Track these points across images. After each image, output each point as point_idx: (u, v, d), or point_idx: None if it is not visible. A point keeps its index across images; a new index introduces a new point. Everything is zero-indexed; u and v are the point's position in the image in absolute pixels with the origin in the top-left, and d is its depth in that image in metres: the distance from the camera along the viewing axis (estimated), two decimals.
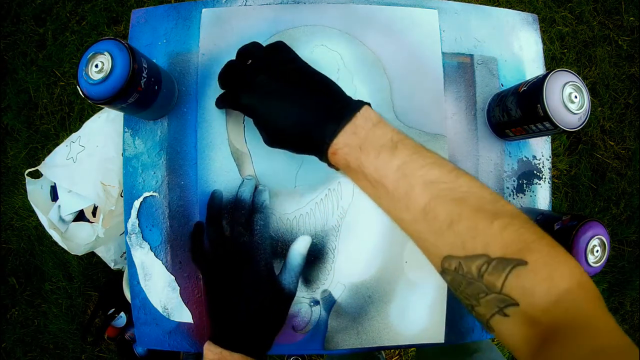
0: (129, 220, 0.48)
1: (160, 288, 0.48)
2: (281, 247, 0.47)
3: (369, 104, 0.35)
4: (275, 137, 0.37)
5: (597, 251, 0.41)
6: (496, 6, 1.12)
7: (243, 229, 0.42)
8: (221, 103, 0.45)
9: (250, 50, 0.41)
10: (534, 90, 0.42)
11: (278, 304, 0.41)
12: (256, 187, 0.46)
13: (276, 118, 0.35)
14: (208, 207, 0.46)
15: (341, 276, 0.48)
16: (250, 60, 0.40)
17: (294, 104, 0.35)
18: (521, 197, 0.52)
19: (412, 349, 1.16)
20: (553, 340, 0.26)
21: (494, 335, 0.30)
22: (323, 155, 0.35)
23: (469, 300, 0.29)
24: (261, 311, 0.40)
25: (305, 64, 0.39)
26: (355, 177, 0.34)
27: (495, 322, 0.28)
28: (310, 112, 0.34)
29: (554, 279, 0.27)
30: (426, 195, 0.30)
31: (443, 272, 0.31)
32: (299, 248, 0.43)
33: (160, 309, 0.48)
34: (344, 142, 0.33)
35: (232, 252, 0.41)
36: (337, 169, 0.36)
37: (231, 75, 0.41)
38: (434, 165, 0.31)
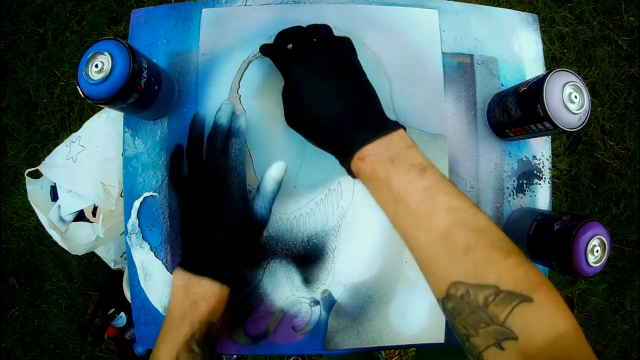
0: (129, 220, 0.48)
1: (160, 288, 0.48)
2: (281, 247, 0.47)
3: (404, 128, 0.36)
4: (302, 119, 0.37)
5: (597, 251, 0.41)
6: (496, 6, 1.11)
7: (219, 152, 0.42)
8: (266, 52, 0.44)
9: (319, 30, 0.41)
10: (534, 90, 0.42)
11: (249, 229, 0.41)
12: (233, 113, 0.45)
13: (318, 103, 0.36)
14: (189, 129, 0.45)
15: (341, 276, 0.48)
16: (314, 39, 0.40)
17: (341, 99, 0.36)
18: (521, 197, 0.52)
19: (412, 349, 1.16)
20: None
21: None
22: (346, 158, 0.35)
23: (467, 330, 0.30)
24: (230, 235, 0.39)
25: (363, 70, 0.39)
26: (377, 187, 0.34)
27: (489, 355, 0.28)
28: (352, 112, 0.35)
29: (555, 320, 0.27)
30: (448, 219, 0.31)
31: (446, 297, 0.31)
32: (273, 174, 0.43)
33: (160, 309, 0.48)
34: (374, 151, 0.34)
35: (208, 175, 0.41)
36: (355, 177, 0.36)
37: (292, 38, 0.41)
38: (458, 196, 0.32)
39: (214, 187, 0.41)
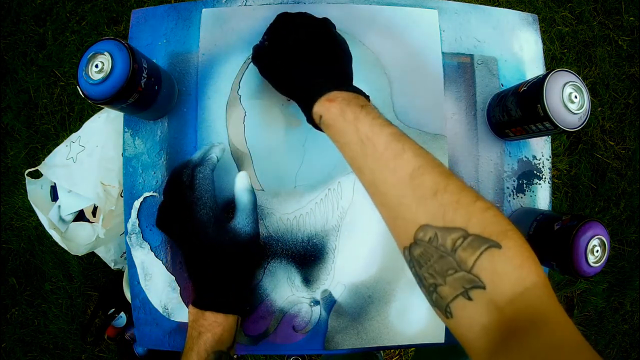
0: (129, 220, 0.48)
1: (160, 288, 0.48)
2: (281, 247, 0.47)
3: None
4: (274, 70, 0.41)
5: (597, 251, 0.41)
6: (496, 6, 1.11)
7: (186, 187, 0.40)
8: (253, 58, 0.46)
9: (295, 19, 0.43)
10: (534, 90, 0.42)
11: (238, 251, 0.40)
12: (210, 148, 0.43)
13: (291, 63, 0.39)
14: (170, 176, 0.43)
15: (341, 276, 0.48)
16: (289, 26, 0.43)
17: (316, 62, 0.38)
18: (521, 197, 0.52)
19: (411, 349, 1.16)
20: (513, 337, 0.25)
21: (450, 326, 0.29)
22: (313, 98, 0.36)
23: (434, 278, 0.28)
24: (220, 264, 0.39)
25: (333, 37, 0.41)
26: (343, 130, 0.33)
27: (456, 306, 0.27)
28: (324, 68, 0.38)
29: (524, 271, 0.26)
30: (416, 161, 0.30)
31: (414, 243, 0.30)
32: (241, 185, 0.41)
33: (160, 309, 0.48)
34: (344, 96, 0.34)
35: (179, 215, 0.40)
36: (317, 123, 0.36)
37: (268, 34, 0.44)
38: (422, 149, 0.32)
39: (187, 227, 0.40)
